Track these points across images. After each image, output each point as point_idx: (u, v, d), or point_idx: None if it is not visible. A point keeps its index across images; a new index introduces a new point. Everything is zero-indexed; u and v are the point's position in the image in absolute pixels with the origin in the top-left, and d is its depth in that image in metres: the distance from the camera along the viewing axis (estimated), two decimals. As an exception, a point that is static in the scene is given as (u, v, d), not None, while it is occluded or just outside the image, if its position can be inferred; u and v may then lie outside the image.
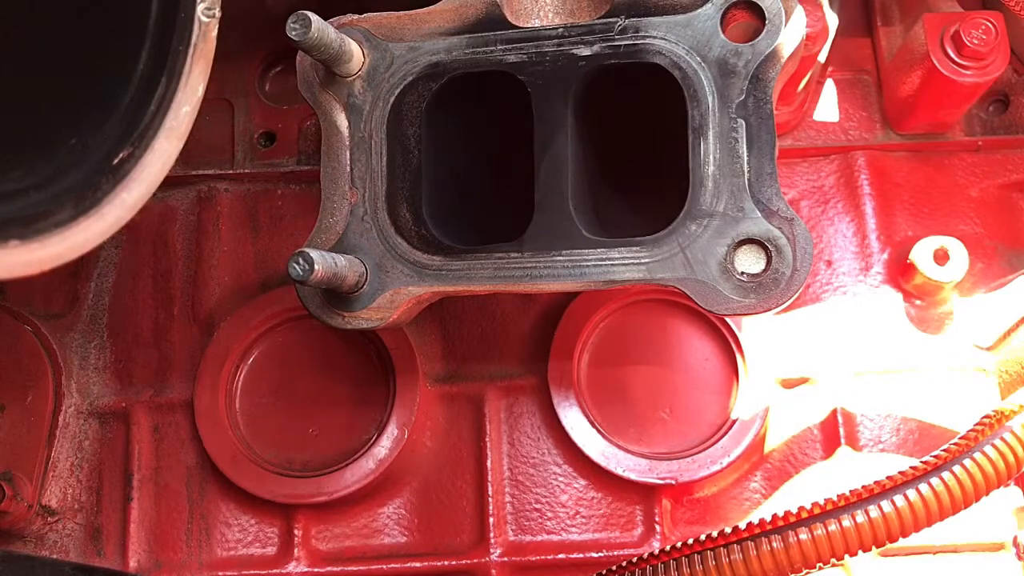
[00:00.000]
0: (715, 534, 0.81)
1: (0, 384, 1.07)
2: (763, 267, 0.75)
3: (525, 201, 0.84)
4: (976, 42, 0.96)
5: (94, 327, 1.10)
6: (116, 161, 0.71)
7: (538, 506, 1.03)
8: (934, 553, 0.98)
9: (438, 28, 0.85)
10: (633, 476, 0.99)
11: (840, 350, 1.04)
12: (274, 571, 1.03)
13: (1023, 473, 0.79)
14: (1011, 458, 0.77)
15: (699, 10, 0.79)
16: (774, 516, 0.81)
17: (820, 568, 0.78)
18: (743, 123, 0.77)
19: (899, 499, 0.77)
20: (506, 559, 1.01)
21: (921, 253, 1.00)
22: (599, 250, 0.80)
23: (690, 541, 0.82)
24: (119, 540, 1.05)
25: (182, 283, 1.11)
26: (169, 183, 0.94)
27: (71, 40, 0.70)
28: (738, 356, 1.03)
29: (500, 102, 0.89)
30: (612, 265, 0.79)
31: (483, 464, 1.03)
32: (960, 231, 1.06)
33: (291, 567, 1.03)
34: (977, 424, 0.82)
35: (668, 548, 0.83)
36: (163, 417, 1.07)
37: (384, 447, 1.01)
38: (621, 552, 1.00)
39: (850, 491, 0.79)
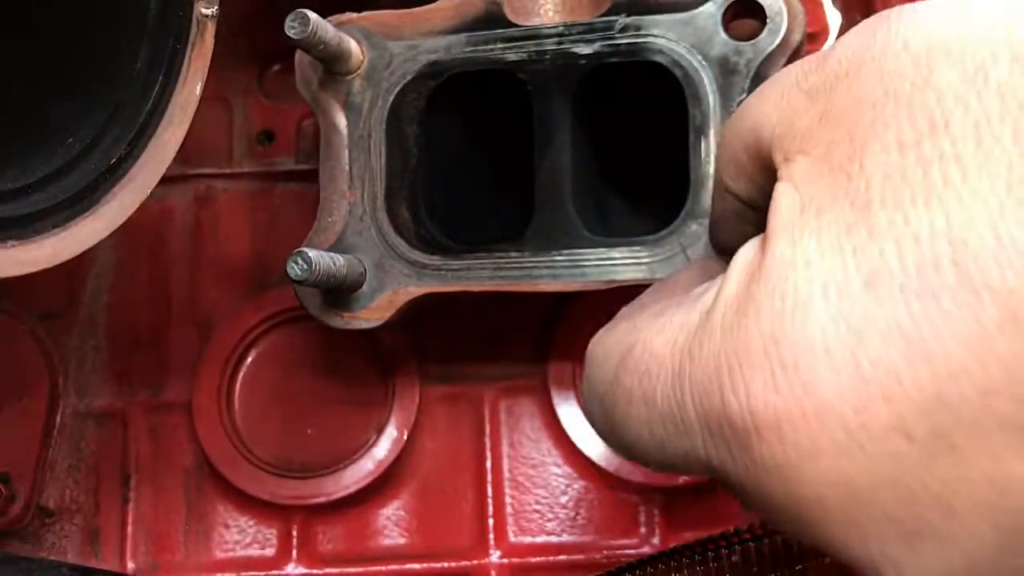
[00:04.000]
0: (717, 535, 0.81)
1: (-3, 385, 1.06)
2: (765, 267, 0.75)
3: (525, 200, 0.83)
4: (978, 40, 0.96)
5: (91, 328, 1.10)
6: (113, 161, 0.70)
7: (538, 507, 1.02)
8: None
9: (438, 26, 0.84)
10: (634, 477, 0.99)
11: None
12: (272, 572, 1.02)
13: None
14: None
15: (700, 8, 0.78)
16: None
17: (826, 562, 0.78)
18: (745, 122, 0.76)
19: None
20: (506, 560, 1.00)
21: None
22: (600, 249, 0.79)
23: (692, 542, 0.82)
24: (117, 541, 1.05)
25: (180, 283, 1.10)
26: (166, 182, 0.93)
27: (68, 39, 0.70)
28: (739, 356, 1.02)
29: (500, 101, 0.88)
30: (613, 265, 0.79)
31: (483, 465, 1.03)
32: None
33: (289, 568, 1.02)
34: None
35: (669, 550, 0.82)
36: (161, 418, 1.07)
37: (383, 448, 1.01)
38: (622, 553, 1.00)
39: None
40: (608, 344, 0.50)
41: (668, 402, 0.42)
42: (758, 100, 0.46)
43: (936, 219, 0.33)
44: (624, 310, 0.56)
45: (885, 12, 0.41)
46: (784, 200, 0.40)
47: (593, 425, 0.51)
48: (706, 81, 0.77)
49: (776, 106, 0.44)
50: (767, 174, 0.45)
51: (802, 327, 0.35)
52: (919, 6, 0.39)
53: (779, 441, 0.36)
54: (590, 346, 0.53)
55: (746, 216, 0.51)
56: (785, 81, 0.44)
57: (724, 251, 0.59)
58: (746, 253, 0.42)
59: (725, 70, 0.77)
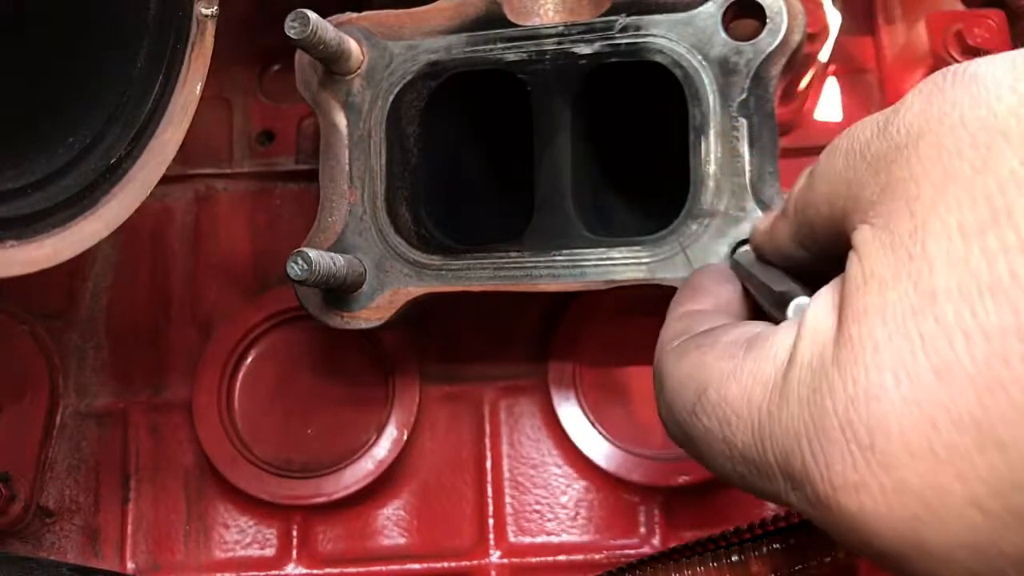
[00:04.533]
0: (717, 535, 0.81)
1: (-3, 384, 1.06)
2: (765, 267, 0.75)
3: (525, 200, 0.83)
4: (979, 41, 0.96)
5: (91, 327, 1.10)
6: (113, 161, 0.70)
7: (538, 507, 1.02)
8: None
9: (438, 26, 0.84)
10: (634, 477, 0.99)
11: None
12: (272, 572, 1.02)
13: None
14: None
15: (700, 8, 0.78)
16: (775, 516, 0.81)
17: (827, 561, 0.78)
18: (744, 122, 0.77)
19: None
20: (506, 560, 1.00)
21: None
22: (599, 249, 0.79)
23: (692, 542, 0.82)
24: (117, 541, 1.05)
25: (180, 283, 1.10)
26: (167, 182, 0.93)
27: (68, 40, 0.70)
28: (739, 356, 1.02)
29: (500, 101, 0.88)
30: (613, 265, 0.79)
31: (483, 465, 1.03)
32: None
33: (289, 568, 1.02)
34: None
35: (669, 549, 0.82)
36: (161, 418, 1.07)
37: (383, 448, 1.01)
38: (622, 553, 1.00)
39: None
40: (680, 375, 0.53)
41: (750, 451, 0.45)
42: (828, 170, 0.47)
43: (1004, 315, 0.35)
44: (679, 321, 0.59)
45: (940, 76, 0.41)
46: (852, 269, 0.42)
47: (669, 435, 0.55)
48: (706, 81, 0.77)
49: (844, 179, 0.45)
50: (839, 240, 0.46)
51: (877, 412, 0.38)
52: (973, 71, 0.40)
53: (859, 511, 0.39)
54: (657, 360, 0.57)
55: (813, 266, 0.54)
56: (850, 151, 0.45)
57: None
58: (816, 315, 0.44)
59: (725, 70, 0.77)
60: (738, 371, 0.47)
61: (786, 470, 0.42)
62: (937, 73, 0.41)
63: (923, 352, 0.37)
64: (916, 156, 0.39)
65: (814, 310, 0.44)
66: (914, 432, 0.36)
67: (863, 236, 0.42)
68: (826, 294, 0.44)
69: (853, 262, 0.42)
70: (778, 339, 0.46)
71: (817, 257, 0.53)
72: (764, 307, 0.57)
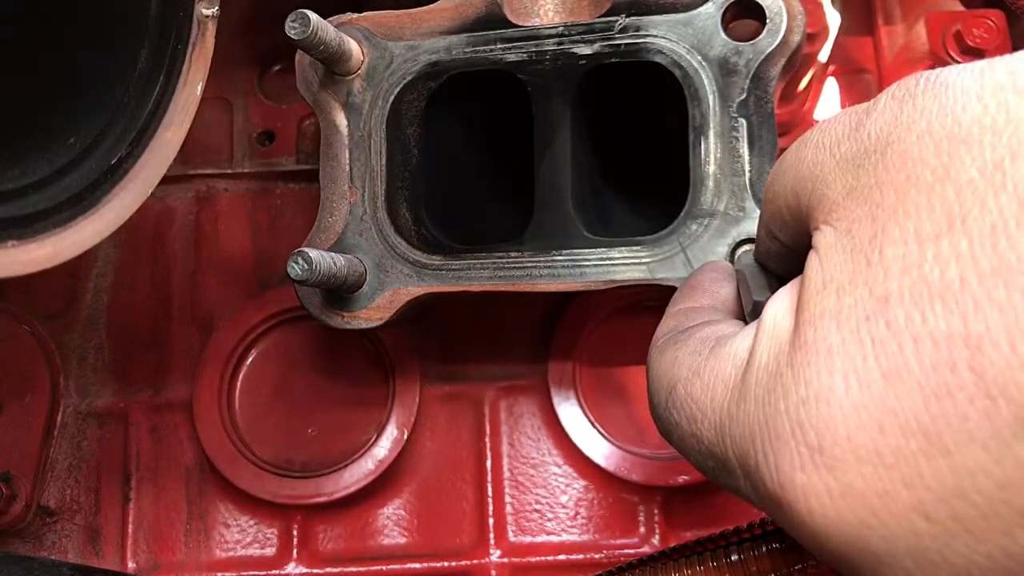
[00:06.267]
0: (717, 535, 0.81)
1: (-2, 384, 1.07)
2: (764, 267, 0.75)
3: (525, 200, 0.83)
4: (978, 41, 0.96)
5: (92, 327, 1.10)
6: (114, 161, 0.71)
7: (538, 507, 1.02)
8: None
9: (438, 27, 0.85)
10: (634, 477, 0.99)
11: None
12: (273, 572, 1.03)
13: None
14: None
15: (700, 8, 0.79)
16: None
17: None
18: (744, 122, 0.77)
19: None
20: (506, 560, 1.00)
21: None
22: (599, 249, 0.79)
23: (692, 542, 0.82)
24: (118, 541, 1.05)
25: (180, 283, 1.10)
26: (167, 182, 0.93)
27: (69, 39, 0.70)
28: (739, 356, 1.02)
29: (500, 101, 0.89)
30: (612, 265, 0.79)
31: (483, 465, 1.03)
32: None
33: (290, 568, 1.03)
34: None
35: (669, 549, 0.82)
36: (161, 417, 1.07)
37: (383, 448, 1.01)
38: (622, 553, 1.00)
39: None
40: (659, 370, 0.54)
41: (714, 447, 0.46)
42: (797, 161, 0.47)
43: (953, 321, 0.34)
44: (673, 318, 0.60)
45: (913, 81, 0.41)
46: (811, 271, 0.42)
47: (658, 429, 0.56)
48: (706, 81, 0.77)
49: (811, 173, 0.45)
50: (805, 235, 0.46)
51: (826, 415, 0.38)
52: (944, 79, 0.39)
53: (807, 512, 0.39)
54: (649, 353, 0.58)
55: (791, 258, 0.53)
56: (820, 144, 0.45)
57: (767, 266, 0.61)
58: (774, 317, 0.44)
59: (724, 70, 0.77)
60: (702, 369, 0.48)
61: (743, 468, 0.43)
62: (910, 77, 0.41)
63: (873, 356, 0.36)
64: (883, 163, 0.39)
65: (773, 311, 0.44)
66: (861, 436, 0.36)
67: (825, 239, 0.42)
68: (784, 295, 0.44)
69: (813, 264, 0.42)
70: (739, 339, 0.47)
71: (790, 249, 0.52)
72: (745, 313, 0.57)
